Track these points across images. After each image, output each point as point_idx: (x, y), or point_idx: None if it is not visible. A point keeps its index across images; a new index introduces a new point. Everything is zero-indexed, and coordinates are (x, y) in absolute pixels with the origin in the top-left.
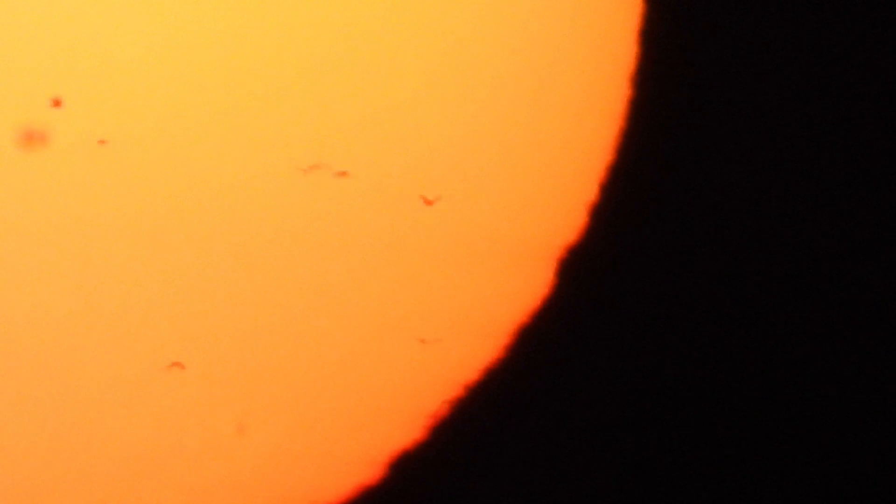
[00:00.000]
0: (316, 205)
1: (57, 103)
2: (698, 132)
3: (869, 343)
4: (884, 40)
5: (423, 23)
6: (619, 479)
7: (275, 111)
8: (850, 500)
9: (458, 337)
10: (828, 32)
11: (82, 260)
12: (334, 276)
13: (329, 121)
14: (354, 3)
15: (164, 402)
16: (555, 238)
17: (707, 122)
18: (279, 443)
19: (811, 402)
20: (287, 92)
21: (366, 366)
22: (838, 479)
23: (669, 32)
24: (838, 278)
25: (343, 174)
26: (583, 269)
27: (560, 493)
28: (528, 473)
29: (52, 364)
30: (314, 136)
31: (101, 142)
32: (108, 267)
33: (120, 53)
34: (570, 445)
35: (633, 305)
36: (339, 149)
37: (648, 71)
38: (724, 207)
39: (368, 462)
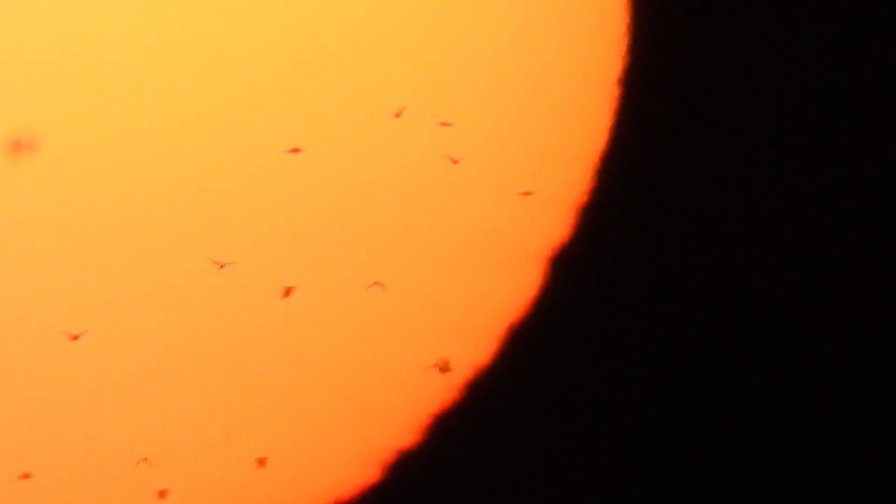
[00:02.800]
0: (304, 207)
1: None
2: (690, 132)
3: (868, 343)
4: (883, 40)
5: (406, 24)
6: (615, 478)
7: (249, 116)
8: (850, 501)
9: (450, 337)
10: (823, 30)
11: (72, 262)
12: (325, 277)
13: (314, 120)
14: (344, 8)
15: (163, 400)
16: (545, 238)
17: (699, 122)
18: (277, 443)
19: (810, 405)
20: (271, 92)
21: (360, 367)
22: (836, 479)
23: (659, 31)
24: (836, 279)
25: (330, 174)
26: (573, 269)
27: (553, 491)
28: (522, 472)
29: (41, 367)
30: (292, 142)
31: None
32: (97, 269)
33: (118, 57)
34: (565, 444)
35: (624, 305)
36: (324, 150)
37: (638, 70)
38: (716, 208)
39: (366, 462)
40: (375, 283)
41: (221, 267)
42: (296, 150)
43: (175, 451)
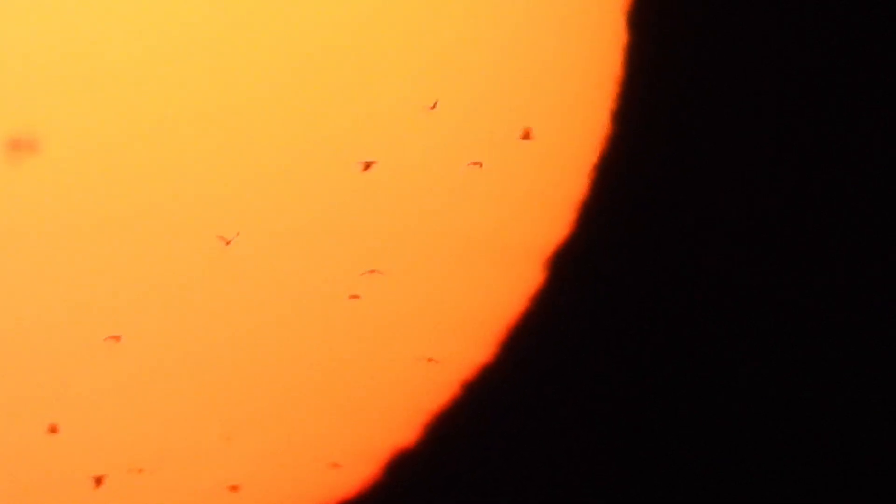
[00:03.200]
0: (304, 208)
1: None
2: (689, 130)
3: (868, 343)
4: (883, 40)
5: (406, 25)
6: (614, 477)
7: (260, 121)
8: (850, 501)
9: (450, 336)
10: (823, 30)
11: (68, 265)
12: (326, 276)
13: (315, 121)
14: (341, 9)
15: (159, 401)
16: (545, 237)
17: (698, 119)
18: (278, 442)
19: (810, 405)
20: (276, 97)
21: (360, 366)
22: (836, 479)
23: (658, 29)
24: (836, 279)
25: (330, 175)
26: (573, 267)
27: (553, 491)
28: (522, 471)
29: (42, 369)
30: (293, 147)
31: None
32: (95, 273)
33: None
34: (564, 443)
35: (624, 303)
36: (324, 151)
37: (637, 68)
38: (716, 208)
39: (366, 462)
40: (372, 272)
41: (228, 244)
42: (369, 165)
43: (174, 452)
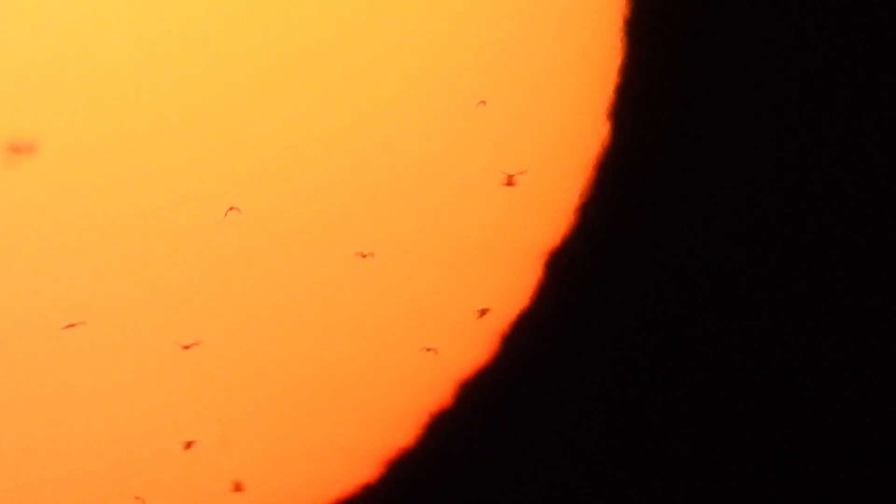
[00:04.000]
0: (302, 208)
1: None
2: (686, 133)
3: (868, 343)
4: (883, 40)
5: (407, 27)
6: (612, 475)
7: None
8: (850, 500)
9: (449, 337)
10: (823, 30)
11: (73, 271)
12: (326, 279)
13: (309, 121)
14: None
15: (157, 400)
16: (543, 239)
17: (695, 122)
18: (277, 442)
19: (809, 405)
20: (276, 96)
21: (359, 367)
22: (836, 479)
23: (655, 31)
24: (836, 279)
25: (329, 175)
26: (571, 269)
27: (550, 488)
28: (520, 470)
29: (43, 374)
30: (291, 147)
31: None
32: (93, 274)
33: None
34: (561, 442)
35: (621, 305)
36: (323, 151)
37: (636, 70)
38: (713, 206)
39: (365, 461)
40: (360, 254)
41: (226, 214)
42: (511, 179)
43: (173, 451)
